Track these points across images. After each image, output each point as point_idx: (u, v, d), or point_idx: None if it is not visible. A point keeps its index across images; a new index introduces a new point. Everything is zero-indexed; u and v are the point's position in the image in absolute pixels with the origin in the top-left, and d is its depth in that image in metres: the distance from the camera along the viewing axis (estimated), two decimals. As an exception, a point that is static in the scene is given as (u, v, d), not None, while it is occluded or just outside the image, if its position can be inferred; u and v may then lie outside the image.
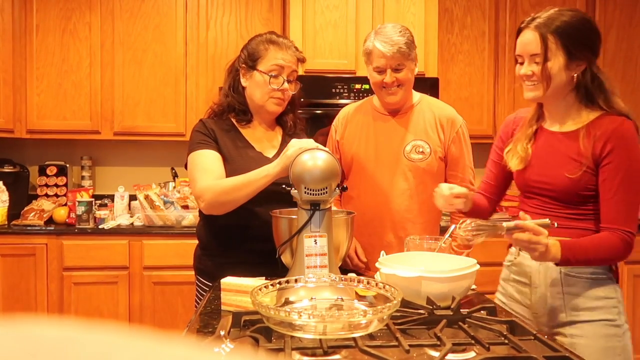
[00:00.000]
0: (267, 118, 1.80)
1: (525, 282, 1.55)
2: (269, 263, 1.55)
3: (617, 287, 1.47)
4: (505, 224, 1.33)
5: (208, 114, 1.81)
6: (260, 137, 1.78)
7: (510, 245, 1.65)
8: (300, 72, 1.88)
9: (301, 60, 1.77)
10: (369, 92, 2.71)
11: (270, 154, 1.76)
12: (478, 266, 1.35)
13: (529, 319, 1.52)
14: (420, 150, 1.90)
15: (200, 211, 1.74)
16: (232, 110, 1.77)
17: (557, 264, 1.40)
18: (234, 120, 1.77)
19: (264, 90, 1.72)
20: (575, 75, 1.44)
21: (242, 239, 1.69)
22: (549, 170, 1.50)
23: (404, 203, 1.90)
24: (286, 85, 1.73)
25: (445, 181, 1.96)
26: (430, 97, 2.04)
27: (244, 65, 1.75)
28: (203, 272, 1.77)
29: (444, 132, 1.91)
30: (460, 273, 1.28)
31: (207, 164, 1.66)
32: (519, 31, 1.49)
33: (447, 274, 1.26)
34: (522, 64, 1.48)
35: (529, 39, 1.45)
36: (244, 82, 1.76)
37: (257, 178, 1.55)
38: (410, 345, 0.97)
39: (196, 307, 1.73)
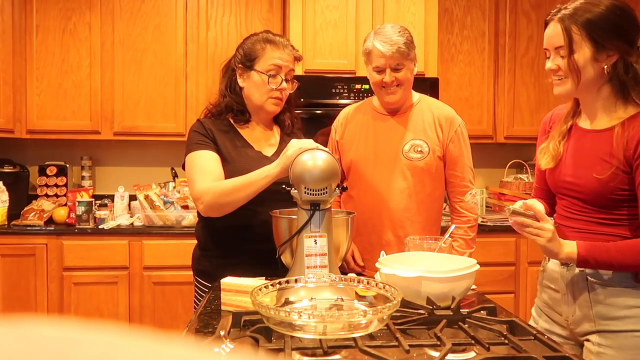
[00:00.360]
0: (265, 118, 1.79)
1: (554, 289, 1.48)
2: (269, 263, 1.55)
3: None
4: (511, 206, 1.30)
5: (204, 114, 1.79)
6: (258, 136, 1.78)
7: None
8: (299, 71, 1.89)
9: (298, 58, 1.76)
10: (369, 92, 2.71)
11: (269, 153, 1.75)
12: (478, 266, 1.35)
13: (562, 325, 1.47)
14: (419, 149, 1.90)
15: (198, 212, 1.73)
16: (230, 110, 1.76)
17: (577, 265, 1.35)
18: (231, 120, 1.76)
19: (263, 90, 1.71)
20: (606, 66, 1.32)
21: (242, 240, 1.68)
22: (578, 170, 1.40)
23: (402, 202, 1.90)
24: (284, 84, 1.72)
25: (445, 181, 1.97)
26: (430, 98, 2.05)
27: (240, 65, 1.74)
28: (202, 273, 1.75)
29: (443, 132, 1.92)
30: (460, 273, 1.28)
31: (205, 165, 1.65)
32: (545, 24, 1.40)
33: (447, 274, 1.26)
34: (549, 58, 1.40)
35: (552, 32, 1.36)
36: (241, 82, 1.75)
37: (257, 179, 1.54)
38: (410, 345, 0.97)
39: (195, 307, 1.73)
